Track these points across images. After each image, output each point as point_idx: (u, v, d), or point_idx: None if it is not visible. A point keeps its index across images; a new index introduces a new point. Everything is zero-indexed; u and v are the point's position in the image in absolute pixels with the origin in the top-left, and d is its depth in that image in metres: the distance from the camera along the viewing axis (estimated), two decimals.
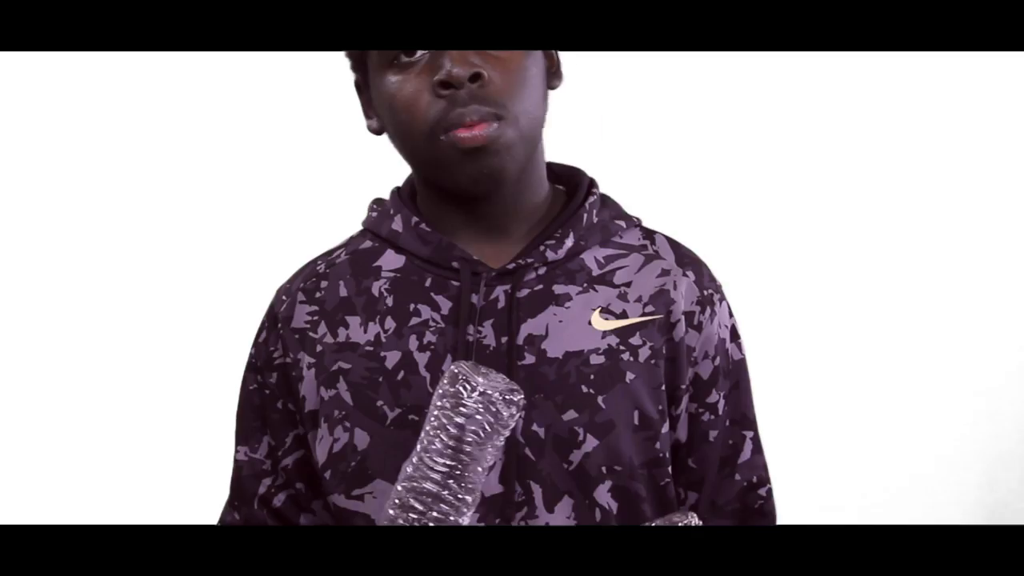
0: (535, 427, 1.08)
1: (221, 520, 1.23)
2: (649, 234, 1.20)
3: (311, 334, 1.15)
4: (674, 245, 1.20)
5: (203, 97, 2.35)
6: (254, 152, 2.37)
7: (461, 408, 0.98)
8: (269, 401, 1.18)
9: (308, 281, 1.19)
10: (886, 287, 2.53)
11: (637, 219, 1.21)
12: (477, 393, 0.98)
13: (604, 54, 2.25)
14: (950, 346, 2.54)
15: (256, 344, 1.20)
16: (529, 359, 1.09)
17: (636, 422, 1.10)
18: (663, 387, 1.12)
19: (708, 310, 1.16)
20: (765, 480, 1.18)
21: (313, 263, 1.22)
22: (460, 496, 0.98)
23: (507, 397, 0.99)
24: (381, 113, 1.11)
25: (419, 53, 1.06)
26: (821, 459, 2.51)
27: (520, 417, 1.02)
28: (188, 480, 2.13)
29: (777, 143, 2.50)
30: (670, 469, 1.14)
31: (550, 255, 1.12)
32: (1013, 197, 2.53)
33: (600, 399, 1.09)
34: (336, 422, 1.11)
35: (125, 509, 2.26)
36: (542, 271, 1.13)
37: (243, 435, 1.21)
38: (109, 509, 2.26)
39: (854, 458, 2.53)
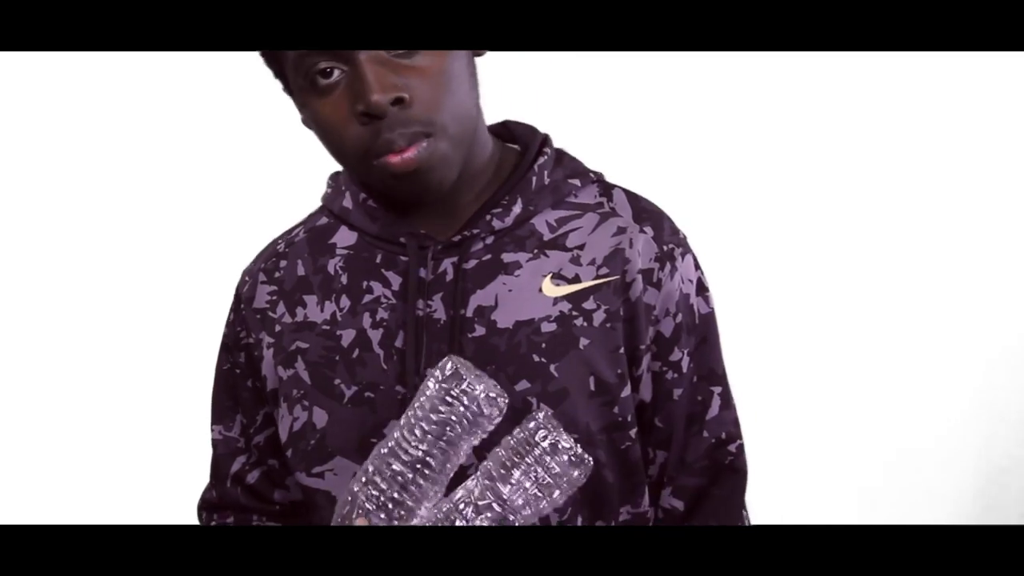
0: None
1: (200, 499, 1.26)
2: (607, 190, 1.16)
3: (271, 314, 1.16)
4: (633, 199, 1.16)
5: (168, 90, 2.32)
6: (233, 143, 2.34)
7: (447, 399, 0.97)
8: (240, 380, 1.20)
9: (268, 261, 1.20)
10: (886, 262, 2.54)
11: (596, 174, 1.18)
12: (464, 385, 0.97)
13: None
14: (950, 316, 2.56)
15: (227, 324, 1.22)
16: (479, 331, 1.09)
17: (592, 388, 1.08)
18: (621, 350, 1.10)
19: (668, 266, 1.12)
20: (735, 436, 1.15)
21: (274, 243, 1.22)
22: (423, 485, 0.98)
23: (490, 395, 0.98)
24: (310, 128, 1.09)
25: (336, 74, 1.01)
26: (823, 429, 2.53)
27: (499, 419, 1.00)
28: (174, 476, 2.13)
29: (769, 138, 2.52)
30: (634, 432, 1.12)
31: (497, 224, 1.11)
32: (1006, 176, 2.54)
33: (552, 367, 1.08)
34: (295, 401, 1.13)
35: (114, 508, 2.28)
36: (490, 240, 1.11)
37: (218, 414, 1.24)
38: (98, 508, 2.28)
39: (854, 430, 2.54)
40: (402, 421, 0.99)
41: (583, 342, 1.08)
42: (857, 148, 2.51)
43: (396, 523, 0.97)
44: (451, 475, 1.00)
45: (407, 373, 1.09)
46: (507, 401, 0.99)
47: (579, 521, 1.10)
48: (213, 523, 1.24)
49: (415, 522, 0.98)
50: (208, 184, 2.34)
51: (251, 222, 2.32)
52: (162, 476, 2.25)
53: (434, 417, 0.97)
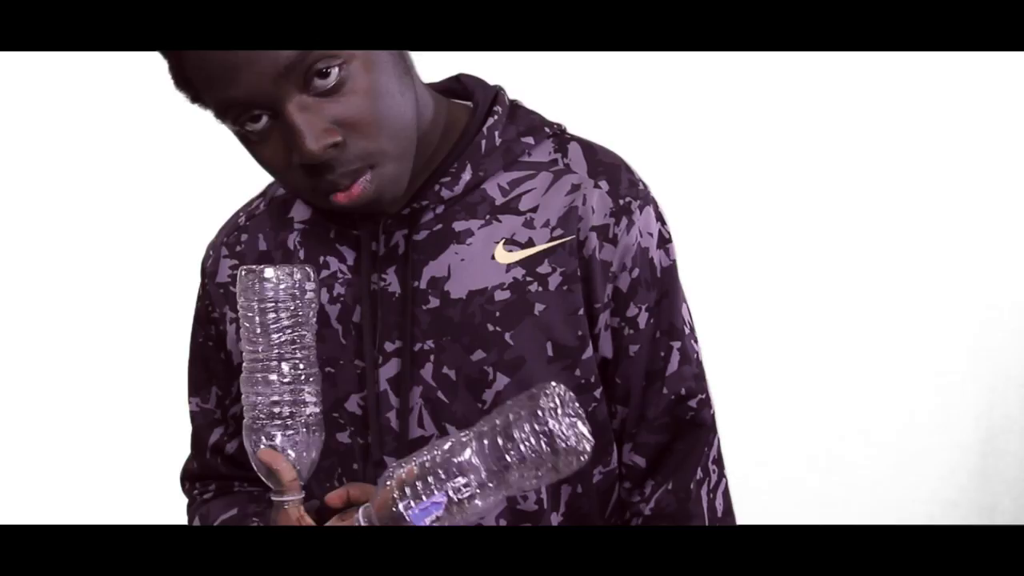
0: (445, 370, 1.07)
1: (183, 469, 1.29)
2: (563, 145, 1.12)
3: (233, 289, 1.17)
4: (589, 153, 1.12)
5: (162, 89, 2.31)
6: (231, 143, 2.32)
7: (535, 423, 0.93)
8: (212, 353, 1.22)
9: (230, 235, 1.20)
10: (884, 226, 2.55)
11: (556, 127, 1.14)
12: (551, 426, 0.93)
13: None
14: (951, 272, 2.54)
15: (198, 298, 1.23)
16: (433, 302, 1.08)
17: (550, 353, 1.07)
18: (580, 311, 1.08)
19: (624, 220, 1.08)
20: (695, 391, 1.12)
21: (236, 216, 1.22)
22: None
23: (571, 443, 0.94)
24: None
25: (264, 120, 0.97)
26: (825, 385, 2.53)
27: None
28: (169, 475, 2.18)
29: (758, 134, 2.52)
30: (599, 392, 1.11)
31: (446, 193, 1.09)
32: (991, 148, 2.56)
33: (507, 336, 1.07)
34: None
35: (111, 508, 2.29)
36: (440, 210, 1.09)
37: (194, 386, 1.25)
38: (93, 507, 2.30)
39: (857, 385, 2.53)
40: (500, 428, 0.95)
41: (538, 308, 1.07)
42: (841, 129, 2.53)
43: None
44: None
45: (364, 348, 1.09)
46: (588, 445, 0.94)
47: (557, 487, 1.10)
48: (195, 492, 1.27)
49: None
50: (206, 184, 2.32)
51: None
52: (157, 475, 2.23)
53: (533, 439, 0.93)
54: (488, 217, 1.09)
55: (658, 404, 1.12)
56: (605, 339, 1.10)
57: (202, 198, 2.26)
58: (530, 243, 1.08)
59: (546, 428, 0.92)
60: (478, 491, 0.94)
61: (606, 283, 1.08)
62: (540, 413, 0.92)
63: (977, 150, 2.57)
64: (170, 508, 1.96)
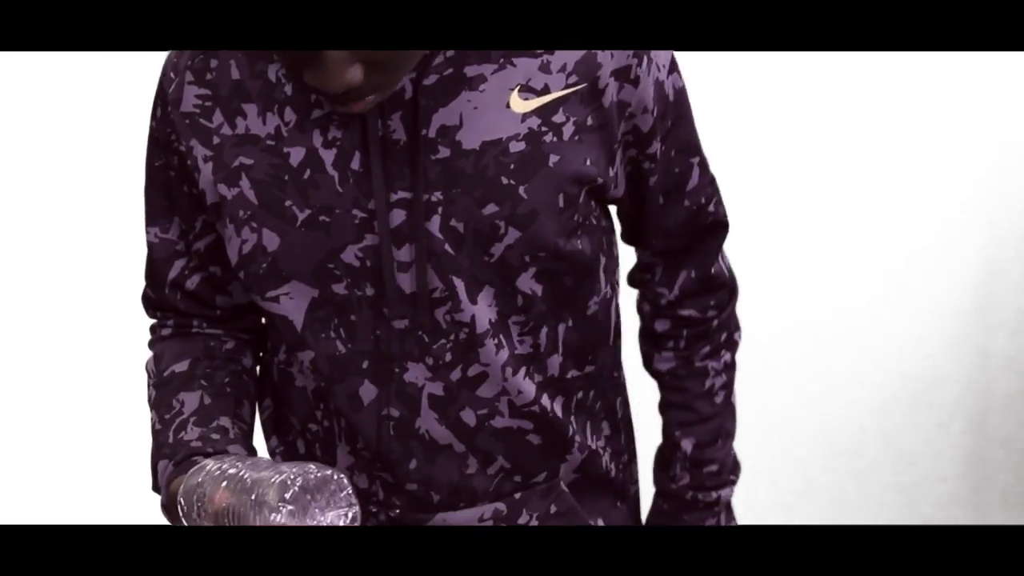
0: (453, 223, 1.03)
1: (142, 295, 1.20)
2: None
3: (204, 122, 1.06)
4: None
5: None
6: None
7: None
8: (174, 183, 1.12)
9: (196, 59, 1.07)
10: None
11: None
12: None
13: None
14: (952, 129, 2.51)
15: (154, 119, 1.11)
16: (443, 152, 1.02)
17: (561, 205, 1.05)
18: (588, 161, 1.05)
19: (645, 59, 1.05)
20: (711, 195, 1.18)
21: None
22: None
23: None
24: None
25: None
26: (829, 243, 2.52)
27: None
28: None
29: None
30: (597, 233, 1.12)
31: None
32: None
33: (521, 189, 1.03)
34: (242, 223, 1.06)
35: (109, 507, 2.26)
36: (451, 52, 1.01)
37: (153, 214, 1.15)
38: (88, 507, 2.26)
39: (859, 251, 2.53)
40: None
41: (552, 159, 1.03)
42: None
43: None
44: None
45: (365, 197, 1.02)
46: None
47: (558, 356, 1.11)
48: (155, 323, 1.21)
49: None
50: None
51: None
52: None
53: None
54: (502, 61, 1.02)
55: (678, 215, 1.16)
56: (620, 177, 1.10)
57: None
58: (545, 90, 1.02)
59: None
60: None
61: (622, 122, 1.06)
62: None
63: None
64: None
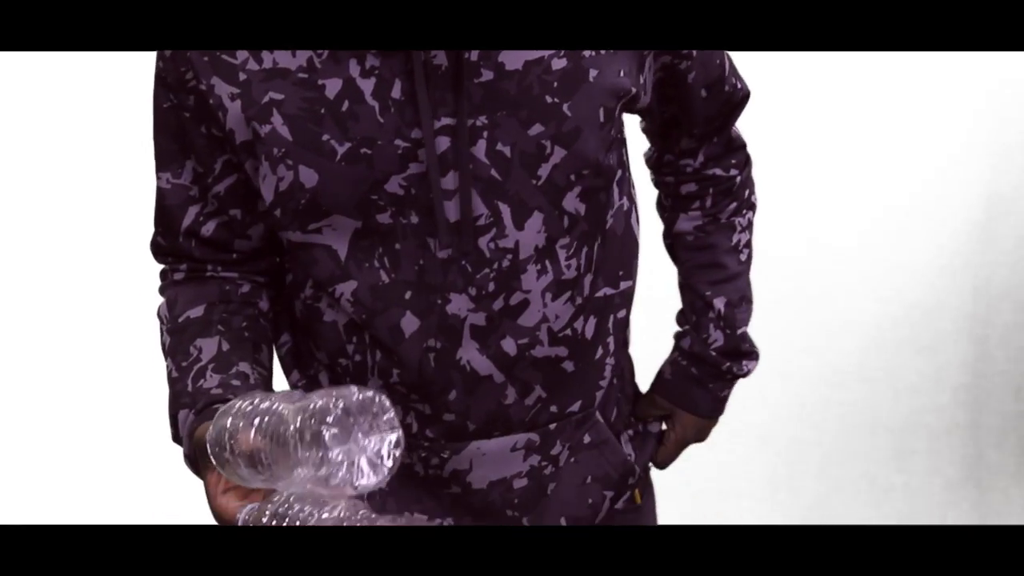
0: (499, 147, 1.01)
1: (151, 242, 1.16)
2: None
3: (226, 58, 1.01)
4: None
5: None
6: None
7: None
8: (190, 125, 1.06)
9: None
10: None
11: None
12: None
13: None
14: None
15: (162, 59, 1.05)
16: (486, 75, 0.99)
17: (602, 119, 1.04)
18: (621, 73, 1.04)
19: None
20: (735, 72, 1.20)
21: None
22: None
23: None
24: None
25: None
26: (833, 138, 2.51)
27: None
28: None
29: None
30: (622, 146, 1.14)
31: None
32: None
33: (565, 107, 1.01)
34: (277, 160, 1.01)
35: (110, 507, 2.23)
36: None
37: (164, 160, 1.10)
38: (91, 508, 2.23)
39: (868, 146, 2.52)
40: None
41: (592, 73, 1.02)
42: None
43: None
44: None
45: (408, 126, 1.00)
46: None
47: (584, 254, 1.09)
48: (167, 268, 1.16)
49: None
50: None
51: None
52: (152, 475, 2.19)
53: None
54: None
55: (719, 102, 1.18)
56: (648, 85, 1.10)
57: None
58: None
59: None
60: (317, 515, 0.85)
61: None
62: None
63: None
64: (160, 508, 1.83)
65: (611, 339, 1.16)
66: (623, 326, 1.20)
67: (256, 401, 0.89)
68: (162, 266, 1.17)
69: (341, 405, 0.84)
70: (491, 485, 1.13)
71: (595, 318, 1.13)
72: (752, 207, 1.28)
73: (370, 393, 0.86)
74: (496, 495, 1.14)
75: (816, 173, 2.50)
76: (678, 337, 1.30)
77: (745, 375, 1.28)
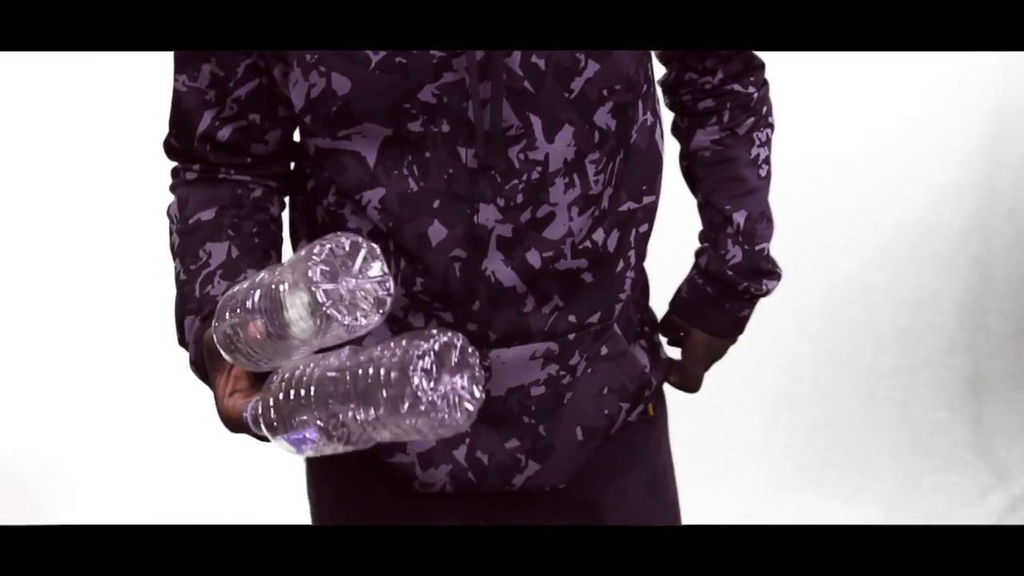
0: (534, 59, 1.00)
1: (164, 143, 1.15)
2: None
3: None
4: None
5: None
6: None
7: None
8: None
9: None
10: None
11: None
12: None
13: None
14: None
15: None
16: None
17: None
18: None
19: None
20: None
21: None
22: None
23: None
24: None
25: None
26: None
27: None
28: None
29: None
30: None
31: None
32: None
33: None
34: (309, 67, 1.00)
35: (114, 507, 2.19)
36: None
37: (181, 62, 1.08)
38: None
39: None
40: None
41: None
42: None
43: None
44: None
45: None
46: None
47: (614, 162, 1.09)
48: (178, 167, 1.15)
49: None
50: None
51: None
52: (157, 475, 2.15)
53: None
54: None
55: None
56: None
57: None
58: None
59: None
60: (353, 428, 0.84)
61: None
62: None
63: None
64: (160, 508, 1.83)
65: (632, 252, 1.16)
66: (644, 240, 1.20)
67: (255, 275, 0.89)
68: (173, 163, 1.16)
69: (329, 246, 0.83)
70: (509, 392, 1.15)
71: (618, 232, 1.13)
72: (771, 126, 1.26)
73: (358, 239, 0.85)
74: (514, 402, 1.15)
75: (817, 89, 2.49)
76: (697, 255, 1.29)
77: (765, 294, 1.27)
